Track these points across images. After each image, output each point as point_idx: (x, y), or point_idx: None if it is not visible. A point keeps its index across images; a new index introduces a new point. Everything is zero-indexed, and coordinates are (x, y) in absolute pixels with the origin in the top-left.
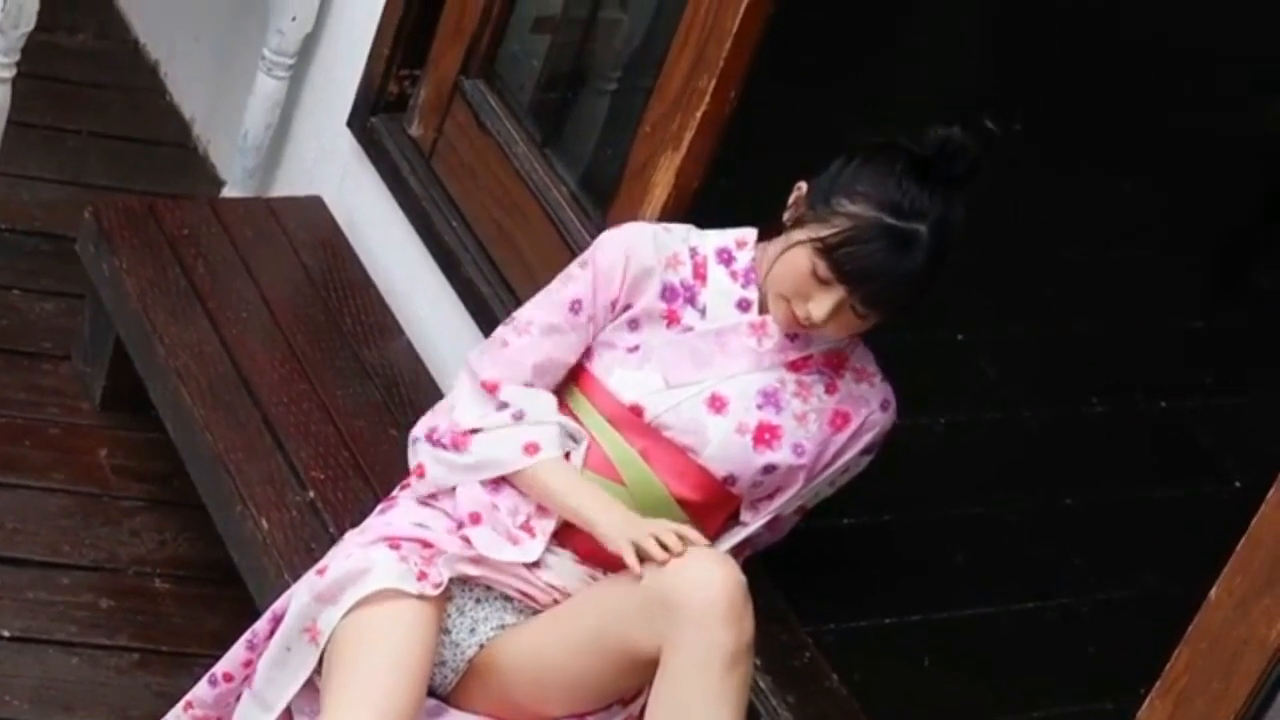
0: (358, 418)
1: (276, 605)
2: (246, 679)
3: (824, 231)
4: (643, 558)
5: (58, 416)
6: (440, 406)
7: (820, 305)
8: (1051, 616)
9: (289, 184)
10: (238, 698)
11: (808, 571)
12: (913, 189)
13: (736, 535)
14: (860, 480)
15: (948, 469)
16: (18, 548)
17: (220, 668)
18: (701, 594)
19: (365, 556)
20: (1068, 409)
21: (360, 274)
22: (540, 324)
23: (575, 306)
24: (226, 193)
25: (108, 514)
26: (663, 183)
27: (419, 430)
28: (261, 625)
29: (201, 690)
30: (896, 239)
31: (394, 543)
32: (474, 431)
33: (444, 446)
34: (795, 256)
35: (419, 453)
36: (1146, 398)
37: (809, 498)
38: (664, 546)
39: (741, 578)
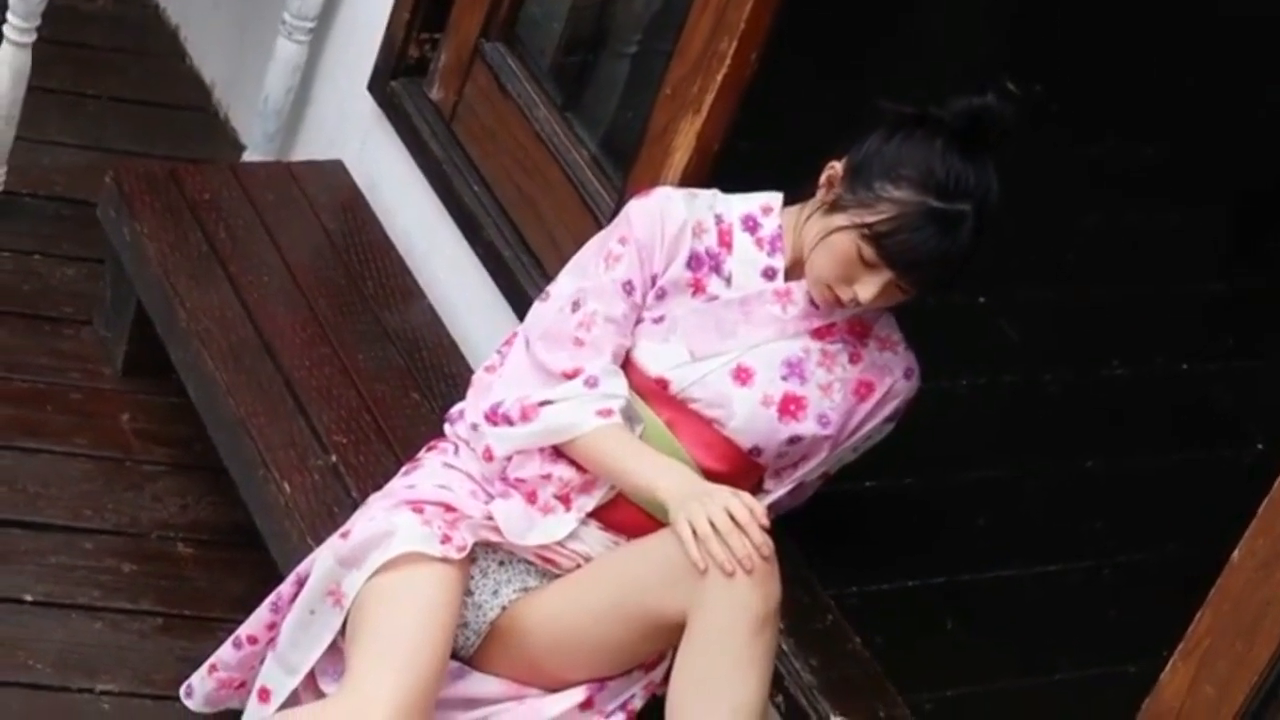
0: (379, 381)
1: (300, 568)
2: (270, 641)
3: (869, 217)
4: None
5: (79, 381)
6: (481, 383)
7: (867, 288)
8: (1073, 580)
9: (310, 148)
10: (261, 660)
11: (830, 535)
12: (956, 165)
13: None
14: (882, 443)
15: (969, 432)
16: (40, 512)
17: (244, 630)
18: (728, 556)
19: (389, 520)
20: (1089, 372)
21: (381, 237)
22: (604, 315)
23: (629, 288)
24: (247, 157)
25: (130, 478)
26: (683, 146)
27: (475, 415)
28: (285, 588)
29: (225, 652)
30: (945, 222)
31: (417, 506)
32: (545, 403)
33: (509, 422)
34: (839, 242)
35: (484, 435)
36: (1167, 361)
37: (832, 464)
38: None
39: (770, 541)
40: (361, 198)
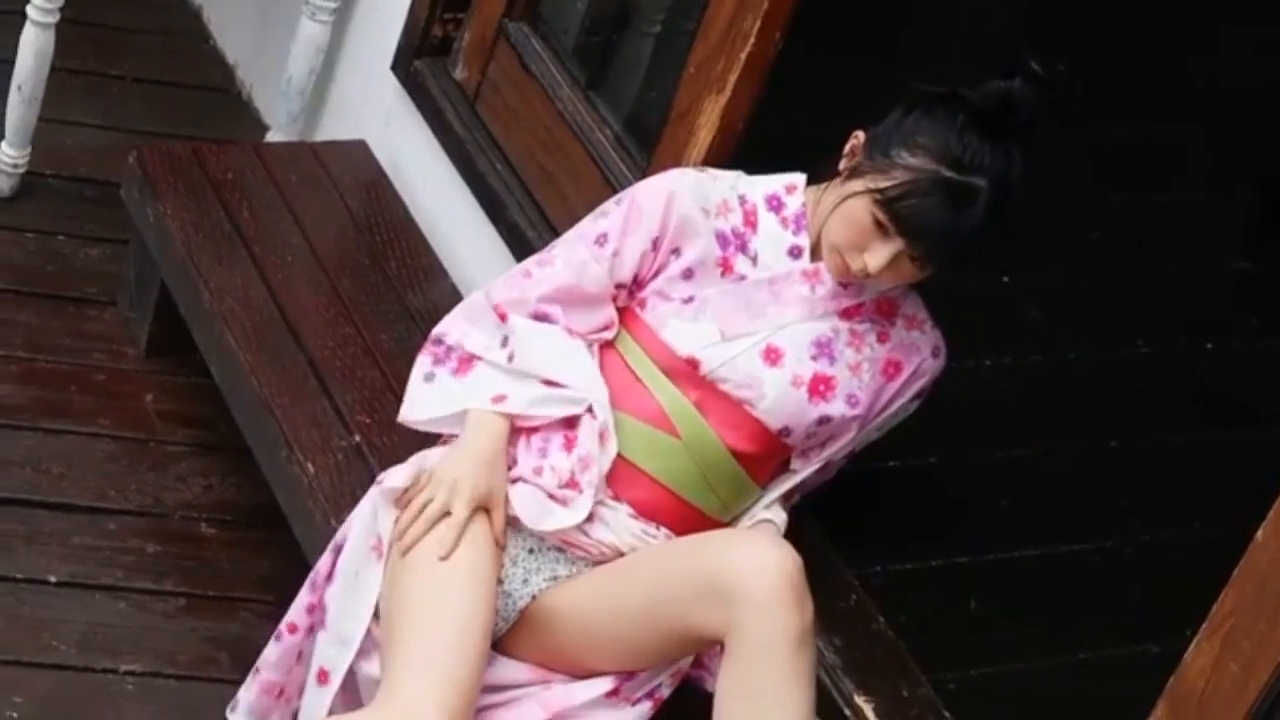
0: (402, 361)
1: (335, 539)
2: (310, 630)
3: (883, 183)
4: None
5: (103, 362)
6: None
7: (876, 256)
8: (1096, 559)
9: (333, 128)
10: (302, 652)
11: (854, 514)
12: (974, 142)
13: (787, 482)
14: (906, 423)
15: (993, 412)
16: (64, 493)
17: (285, 621)
18: (761, 580)
19: (421, 458)
20: (1113, 352)
21: (404, 217)
22: (564, 258)
23: (601, 240)
24: (270, 137)
25: (154, 459)
26: (707, 125)
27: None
28: (323, 562)
29: (267, 651)
30: (956, 193)
31: None
32: (475, 358)
33: (450, 367)
34: (853, 207)
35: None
36: (1191, 340)
37: (859, 442)
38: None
39: (798, 559)
40: (384, 178)
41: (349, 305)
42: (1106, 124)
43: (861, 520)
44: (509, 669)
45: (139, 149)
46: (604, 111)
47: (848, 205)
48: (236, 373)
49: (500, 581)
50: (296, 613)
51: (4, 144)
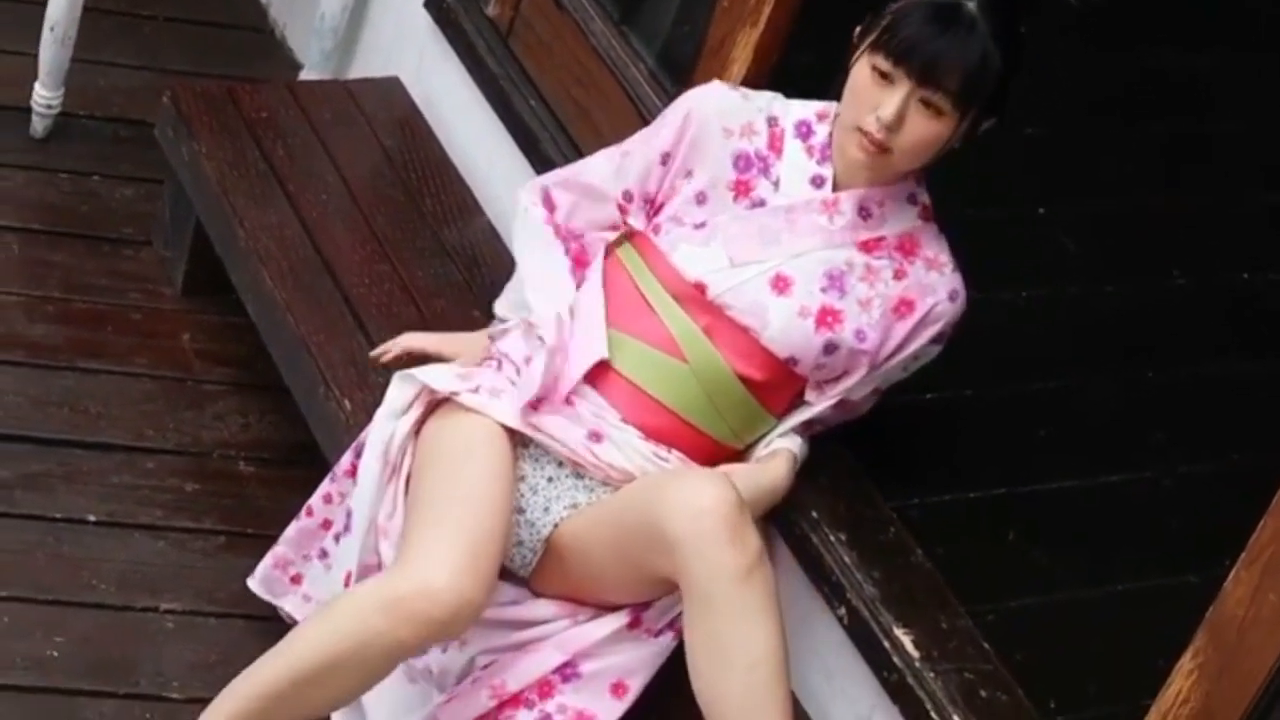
0: (439, 298)
1: (358, 439)
2: (327, 523)
3: (875, 32)
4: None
5: (140, 302)
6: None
7: (887, 107)
8: (1134, 490)
9: (366, 66)
10: (321, 555)
11: (891, 447)
12: None
13: (800, 415)
14: (943, 355)
15: (1029, 343)
16: (102, 433)
17: (307, 504)
18: (693, 524)
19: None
20: (1149, 283)
21: (439, 154)
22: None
23: (626, 148)
24: (304, 75)
25: (191, 398)
26: (741, 59)
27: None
28: (345, 459)
29: (289, 529)
30: (945, 16)
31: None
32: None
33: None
34: (857, 73)
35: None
36: (1227, 270)
37: (880, 381)
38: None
39: (731, 495)
40: (419, 115)
41: (384, 242)
42: (1143, 52)
43: (899, 453)
44: (537, 608)
45: (173, 88)
46: (637, 45)
47: (851, 77)
48: (273, 311)
49: (521, 511)
50: (315, 499)
51: (37, 85)
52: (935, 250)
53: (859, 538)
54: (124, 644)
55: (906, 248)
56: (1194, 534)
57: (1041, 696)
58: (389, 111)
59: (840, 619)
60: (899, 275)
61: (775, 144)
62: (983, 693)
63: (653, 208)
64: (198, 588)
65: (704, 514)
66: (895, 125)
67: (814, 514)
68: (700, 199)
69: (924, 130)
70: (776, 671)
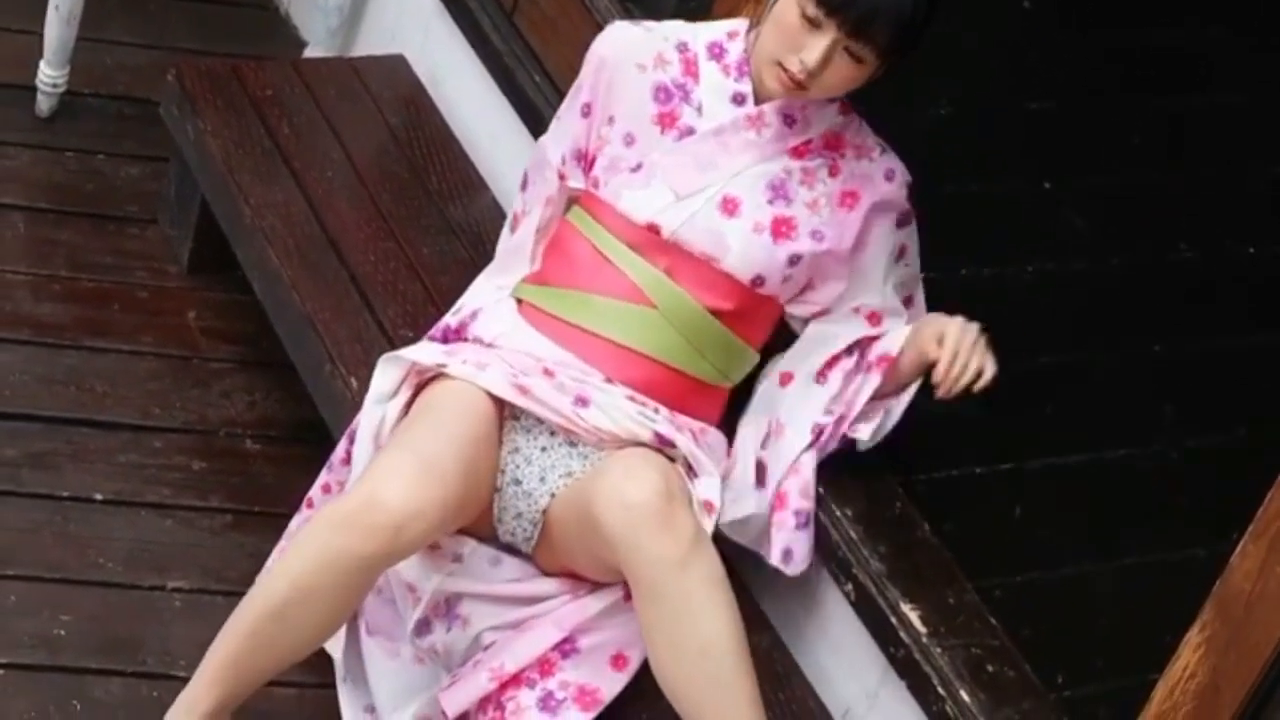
0: (444, 274)
1: (352, 426)
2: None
3: None
4: None
5: (145, 280)
6: None
7: (811, 51)
8: (1142, 465)
9: (371, 43)
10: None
11: (898, 422)
12: None
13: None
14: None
15: (1037, 318)
16: (109, 411)
17: (308, 496)
18: (623, 517)
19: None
20: (1156, 257)
21: (444, 131)
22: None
23: (559, 114)
24: (309, 53)
25: (197, 376)
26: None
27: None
28: (340, 447)
29: (293, 522)
30: None
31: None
32: None
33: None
34: (780, 10)
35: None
36: (1235, 244)
37: (895, 281)
38: None
39: (656, 480)
40: (424, 92)
41: (390, 220)
42: (1148, 27)
43: (904, 427)
44: (539, 584)
45: (177, 66)
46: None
47: (775, 11)
48: (278, 288)
49: (519, 482)
50: (315, 491)
51: (43, 63)
52: (860, 137)
53: (865, 513)
54: (131, 622)
55: (833, 143)
56: (1201, 508)
57: (1049, 671)
58: (394, 89)
59: (847, 595)
60: (834, 172)
61: (690, 69)
62: (990, 668)
63: (586, 162)
64: (205, 566)
65: (631, 507)
66: (818, 71)
67: (820, 490)
68: (629, 140)
69: (845, 74)
70: (729, 655)
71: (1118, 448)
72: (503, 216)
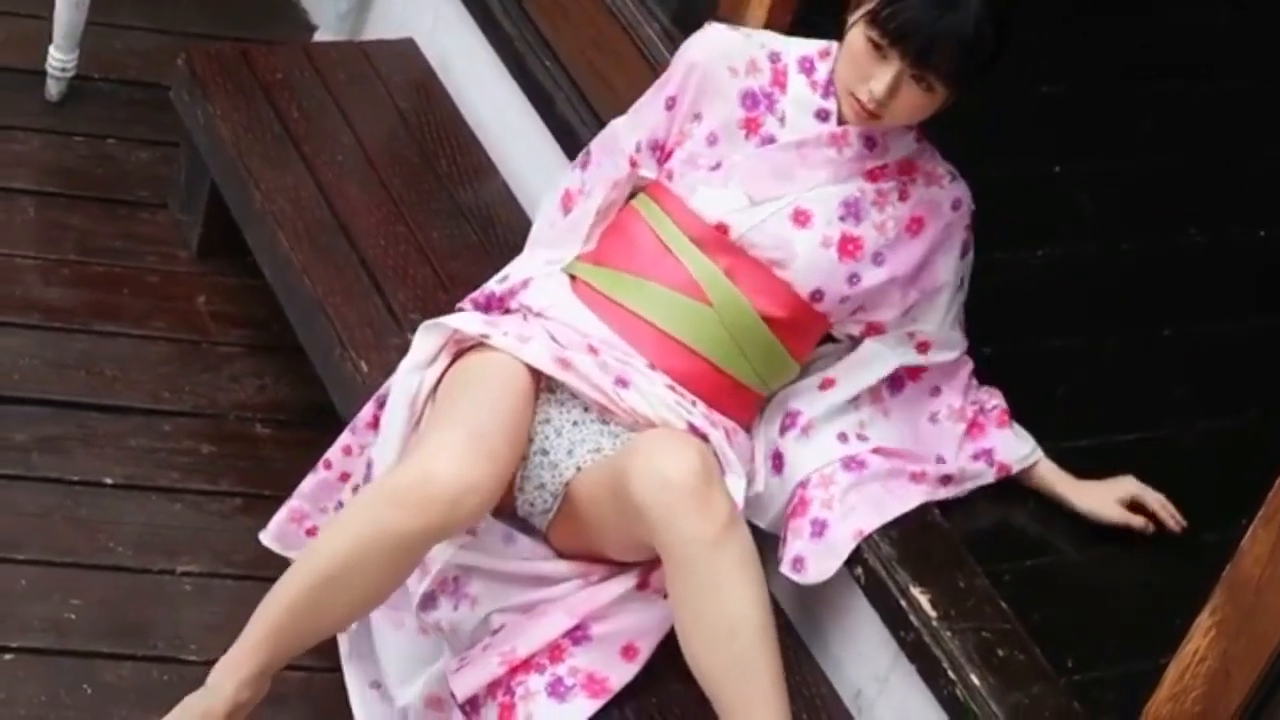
0: (454, 259)
1: (379, 392)
2: (344, 475)
3: (872, 3)
4: None
5: (156, 264)
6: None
7: (879, 81)
8: (1152, 448)
9: (381, 27)
10: (338, 506)
11: None
12: None
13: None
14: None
15: (1046, 301)
16: (119, 395)
17: (324, 456)
18: (659, 495)
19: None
20: (1166, 240)
21: (454, 115)
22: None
23: (639, 104)
24: (319, 37)
25: (207, 360)
26: (756, 19)
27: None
28: (366, 410)
29: (305, 482)
30: None
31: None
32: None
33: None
34: (852, 39)
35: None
36: (1245, 228)
37: (956, 312)
38: None
39: (693, 461)
40: (434, 76)
41: (400, 204)
42: (1160, 11)
43: None
44: (552, 565)
45: (187, 51)
46: (652, 6)
47: (848, 40)
48: (288, 273)
49: (545, 453)
50: (334, 451)
51: (52, 48)
52: (931, 164)
53: None
54: (141, 606)
55: (906, 169)
56: (1212, 492)
57: (1059, 655)
58: (404, 73)
59: (857, 579)
60: (904, 196)
61: (779, 79)
62: (1000, 652)
63: (663, 154)
64: (215, 550)
65: (668, 485)
66: (886, 100)
67: None
68: (712, 140)
69: (916, 102)
70: (758, 636)
71: (1128, 431)
72: (513, 200)
